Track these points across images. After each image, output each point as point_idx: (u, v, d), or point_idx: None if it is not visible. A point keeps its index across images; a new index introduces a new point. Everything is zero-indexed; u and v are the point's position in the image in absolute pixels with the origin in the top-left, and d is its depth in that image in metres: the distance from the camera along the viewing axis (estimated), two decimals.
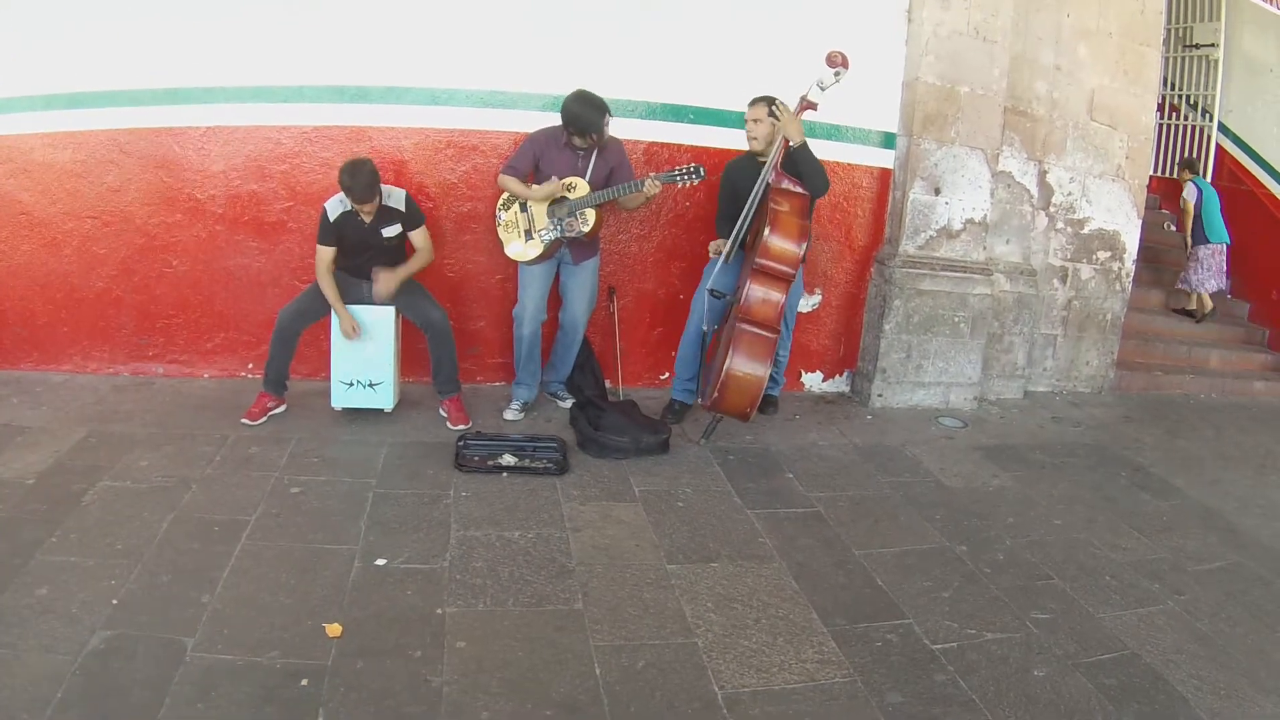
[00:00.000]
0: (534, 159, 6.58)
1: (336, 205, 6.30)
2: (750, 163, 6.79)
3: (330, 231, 6.32)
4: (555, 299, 6.97)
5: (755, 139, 6.75)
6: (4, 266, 6.97)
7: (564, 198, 6.46)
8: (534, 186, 6.53)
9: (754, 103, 6.75)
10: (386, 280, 6.42)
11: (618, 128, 6.79)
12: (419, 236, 6.53)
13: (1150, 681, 4.19)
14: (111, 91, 6.78)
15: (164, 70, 6.76)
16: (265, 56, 6.80)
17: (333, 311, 6.41)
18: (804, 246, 6.36)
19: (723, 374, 6.22)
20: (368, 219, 6.32)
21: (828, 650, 4.22)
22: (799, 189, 6.45)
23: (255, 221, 7.05)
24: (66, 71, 6.71)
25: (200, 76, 6.78)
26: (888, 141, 7.92)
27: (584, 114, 6.33)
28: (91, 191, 6.89)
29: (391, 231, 6.39)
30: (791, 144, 6.43)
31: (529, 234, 6.58)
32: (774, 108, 6.54)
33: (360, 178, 6.05)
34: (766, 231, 6.23)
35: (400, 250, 6.54)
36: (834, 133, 7.65)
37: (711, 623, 4.36)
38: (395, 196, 6.39)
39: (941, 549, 5.38)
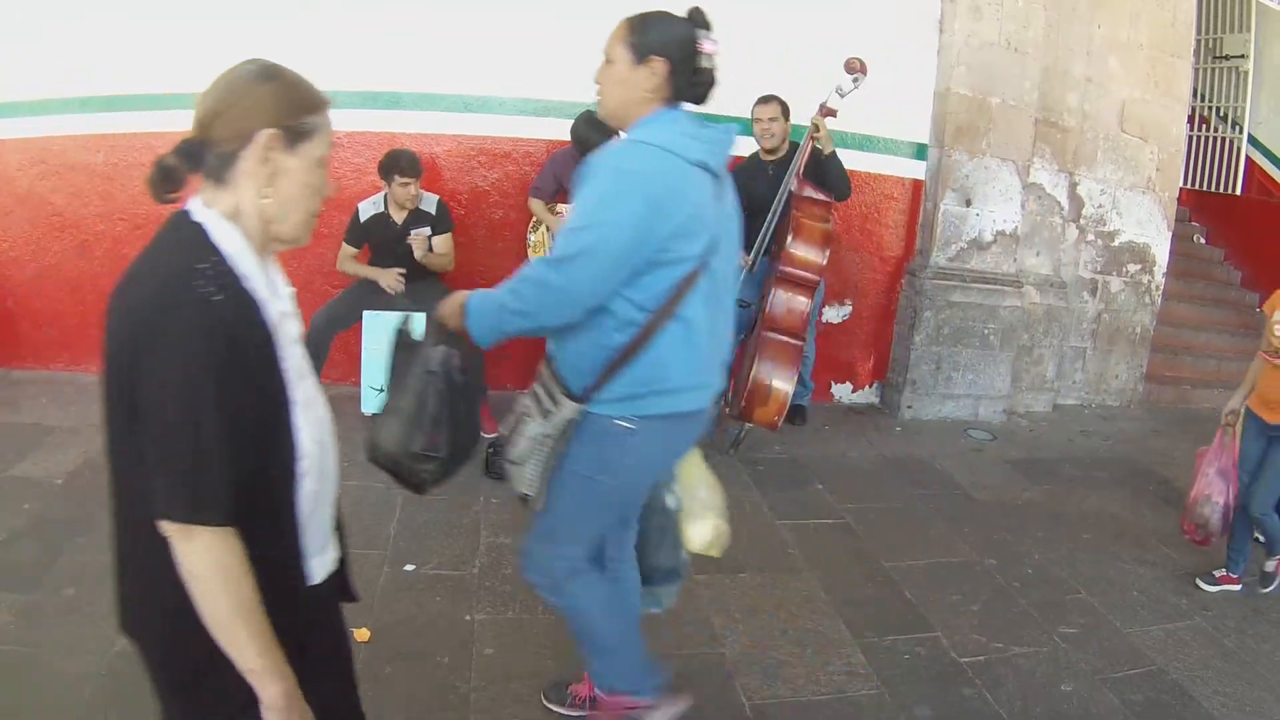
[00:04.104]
0: (556, 179, 6.63)
1: (369, 207, 6.37)
2: (757, 165, 6.80)
3: (358, 232, 6.41)
4: None
5: (773, 135, 6.71)
6: (35, 267, 7.01)
7: None
8: (556, 210, 6.63)
9: (766, 101, 6.73)
10: (420, 245, 6.46)
11: None
12: (442, 242, 6.58)
13: (1176, 697, 4.19)
14: (145, 95, 6.80)
15: (198, 73, 6.74)
16: (298, 61, 6.74)
17: (363, 321, 6.47)
18: (828, 253, 6.34)
19: (750, 383, 6.20)
20: (399, 220, 6.37)
21: (856, 662, 4.22)
22: (821, 196, 6.44)
23: None
24: (100, 74, 6.76)
25: None
26: (919, 153, 7.90)
27: (587, 135, 6.32)
28: (123, 194, 6.92)
29: (421, 234, 6.42)
30: (822, 152, 6.42)
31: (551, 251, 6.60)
32: (815, 119, 6.52)
33: (405, 154, 6.28)
34: (790, 239, 6.23)
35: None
36: (865, 143, 7.63)
37: (740, 633, 4.37)
38: (427, 200, 6.45)
39: (970, 562, 5.36)
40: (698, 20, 2.87)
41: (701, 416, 3.08)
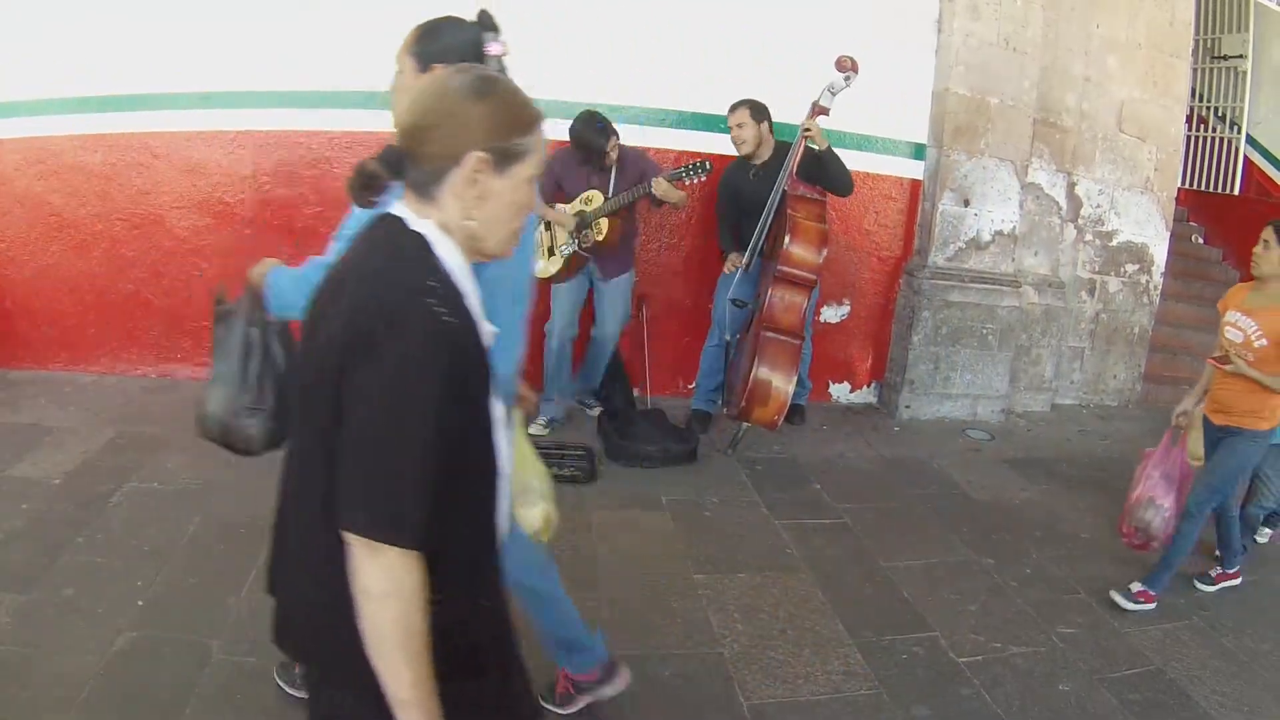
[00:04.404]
0: (554, 179, 6.60)
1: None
2: (745, 167, 6.77)
3: None
4: (590, 313, 6.94)
5: (744, 143, 6.65)
6: (34, 267, 7.00)
7: (582, 211, 6.46)
8: (556, 207, 6.57)
9: (735, 107, 6.67)
10: None
11: (649, 136, 6.82)
12: None
13: (1175, 697, 4.20)
14: (142, 95, 6.81)
15: (195, 74, 6.79)
16: (296, 61, 6.83)
17: None
18: (824, 253, 6.34)
19: (750, 383, 6.19)
20: None
21: (854, 662, 4.22)
22: (815, 195, 6.43)
23: (285, 226, 7.06)
24: (98, 74, 6.75)
25: (231, 80, 6.81)
26: (918, 153, 7.90)
27: (585, 135, 6.33)
28: (121, 194, 6.92)
29: None
30: (817, 149, 6.40)
31: (551, 251, 6.59)
32: (806, 122, 6.50)
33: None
34: (787, 239, 6.22)
35: None
36: (864, 143, 7.63)
37: (738, 633, 4.36)
38: None
39: (968, 562, 5.36)
40: (485, 23, 2.92)
41: None
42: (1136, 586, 4.99)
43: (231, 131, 6.90)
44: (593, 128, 6.32)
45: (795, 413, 7.30)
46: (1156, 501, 5.09)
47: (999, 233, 7.96)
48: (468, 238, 1.87)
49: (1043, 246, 8.46)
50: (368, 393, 1.68)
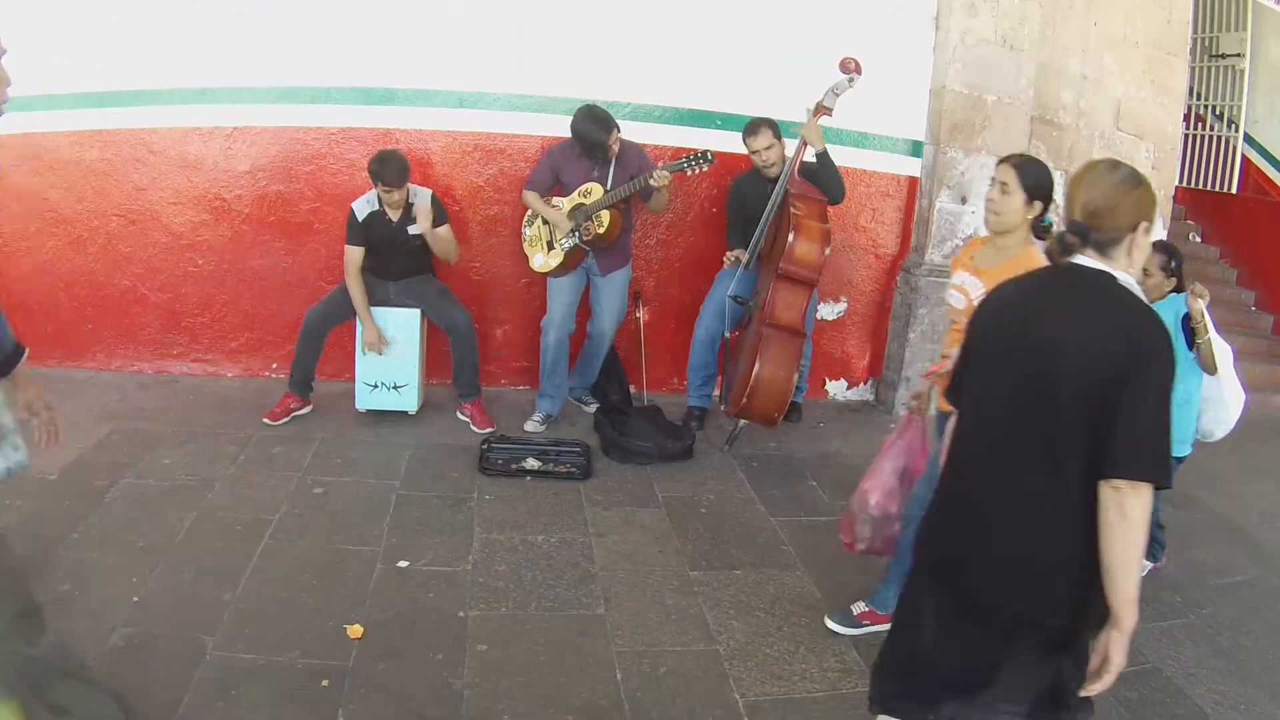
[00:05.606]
0: (553, 172, 6.60)
1: (364, 205, 6.33)
2: (758, 179, 6.73)
3: (359, 232, 6.35)
4: (585, 309, 6.93)
5: (774, 164, 6.58)
6: (30, 263, 6.99)
7: (581, 204, 6.45)
8: (553, 203, 6.57)
9: (758, 129, 6.60)
10: (425, 214, 6.39)
11: (646, 133, 6.81)
12: (443, 232, 6.53)
13: (1171, 695, 4.20)
14: (139, 91, 6.80)
15: (192, 70, 6.79)
16: (293, 57, 6.82)
17: (357, 319, 6.45)
18: (827, 251, 6.32)
19: (752, 380, 6.16)
20: (395, 217, 6.35)
21: (850, 659, 4.22)
22: (817, 194, 6.41)
23: (281, 222, 7.06)
24: (95, 70, 6.74)
25: (228, 77, 6.80)
26: (915, 150, 7.87)
27: (588, 131, 6.33)
28: (118, 190, 6.91)
29: (417, 229, 6.39)
30: (815, 150, 6.39)
31: (550, 245, 6.57)
32: (803, 123, 6.49)
33: (391, 163, 6.17)
34: (790, 238, 6.18)
35: (425, 250, 6.54)
36: (861, 140, 7.62)
37: (733, 630, 4.36)
38: (421, 195, 6.41)
39: None
40: None
41: None
42: (860, 607, 4.51)
43: (228, 127, 6.89)
44: (596, 122, 6.32)
45: (792, 410, 7.28)
46: (871, 501, 4.49)
47: None
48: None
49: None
50: (1152, 392, 2.43)
